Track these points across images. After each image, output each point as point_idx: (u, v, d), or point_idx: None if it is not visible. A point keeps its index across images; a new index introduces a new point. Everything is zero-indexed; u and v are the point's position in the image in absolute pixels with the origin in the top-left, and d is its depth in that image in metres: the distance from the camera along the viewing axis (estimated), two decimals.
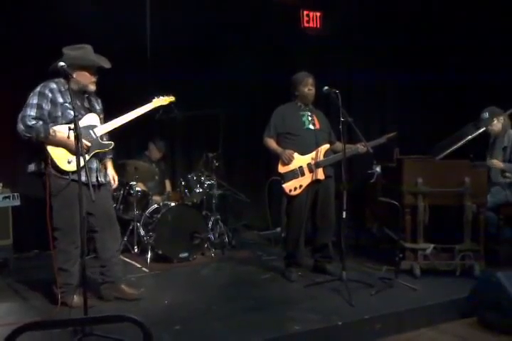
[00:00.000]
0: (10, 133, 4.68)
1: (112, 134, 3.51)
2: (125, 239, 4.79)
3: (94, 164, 3.29)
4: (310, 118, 4.09)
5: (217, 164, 5.18)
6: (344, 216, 3.65)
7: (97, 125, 3.31)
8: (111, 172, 3.51)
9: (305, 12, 6.33)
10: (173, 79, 5.26)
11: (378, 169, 5.04)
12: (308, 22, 6.37)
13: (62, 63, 2.86)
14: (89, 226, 3.27)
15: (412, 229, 4.02)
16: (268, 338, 2.86)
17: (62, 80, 3.19)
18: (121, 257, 4.67)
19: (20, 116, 3.12)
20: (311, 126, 4.07)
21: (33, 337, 2.56)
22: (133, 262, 4.61)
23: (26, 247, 4.90)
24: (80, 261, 2.94)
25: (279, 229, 5.56)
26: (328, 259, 4.17)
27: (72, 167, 3.08)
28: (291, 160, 3.95)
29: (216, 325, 3.02)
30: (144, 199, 5.02)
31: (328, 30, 6.35)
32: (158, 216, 4.64)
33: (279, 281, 4.00)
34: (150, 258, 4.53)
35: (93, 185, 3.14)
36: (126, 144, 5.35)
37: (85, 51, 3.27)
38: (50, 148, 3.10)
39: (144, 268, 4.40)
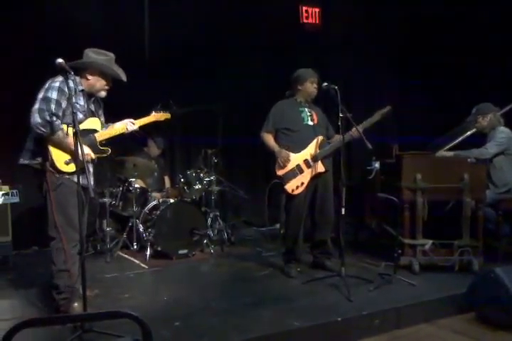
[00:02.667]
0: (8, 129, 4.72)
1: None
2: (124, 236, 4.81)
3: (91, 168, 3.26)
4: (309, 113, 4.09)
5: (216, 160, 5.19)
6: (343, 212, 3.65)
7: (97, 130, 3.28)
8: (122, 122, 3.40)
9: (304, 8, 6.32)
10: (172, 77, 5.24)
11: (377, 165, 5.04)
12: (307, 18, 6.35)
13: (60, 60, 2.79)
14: None
15: (411, 225, 4.03)
16: (267, 334, 2.86)
17: (77, 79, 3.16)
18: (120, 253, 4.74)
19: (36, 108, 2.96)
20: (310, 122, 4.07)
21: (33, 334, 2.57)
22: (132, 258, 4.63)
23: (25, 244, 4.91)
24: (79, 258, 2.92)
25: (277, 226, 5.57)
26: (327, 255, 4.18)
27: (69, 168, 3.05)
28: (288, 162, 3.95)
29: (215, 321, 3.03)
30: (143, 195, 5.03)
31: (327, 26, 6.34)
32: (158, 212, 4.65)
33: (279, 277, 4.01)
34: (149, 255, 4.54)
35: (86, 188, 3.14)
36: (124, 141, 5.33)
37: (109, 59, 3.26)
38: (52, 147, 3.02)
39: (143, 265, 4.41)
